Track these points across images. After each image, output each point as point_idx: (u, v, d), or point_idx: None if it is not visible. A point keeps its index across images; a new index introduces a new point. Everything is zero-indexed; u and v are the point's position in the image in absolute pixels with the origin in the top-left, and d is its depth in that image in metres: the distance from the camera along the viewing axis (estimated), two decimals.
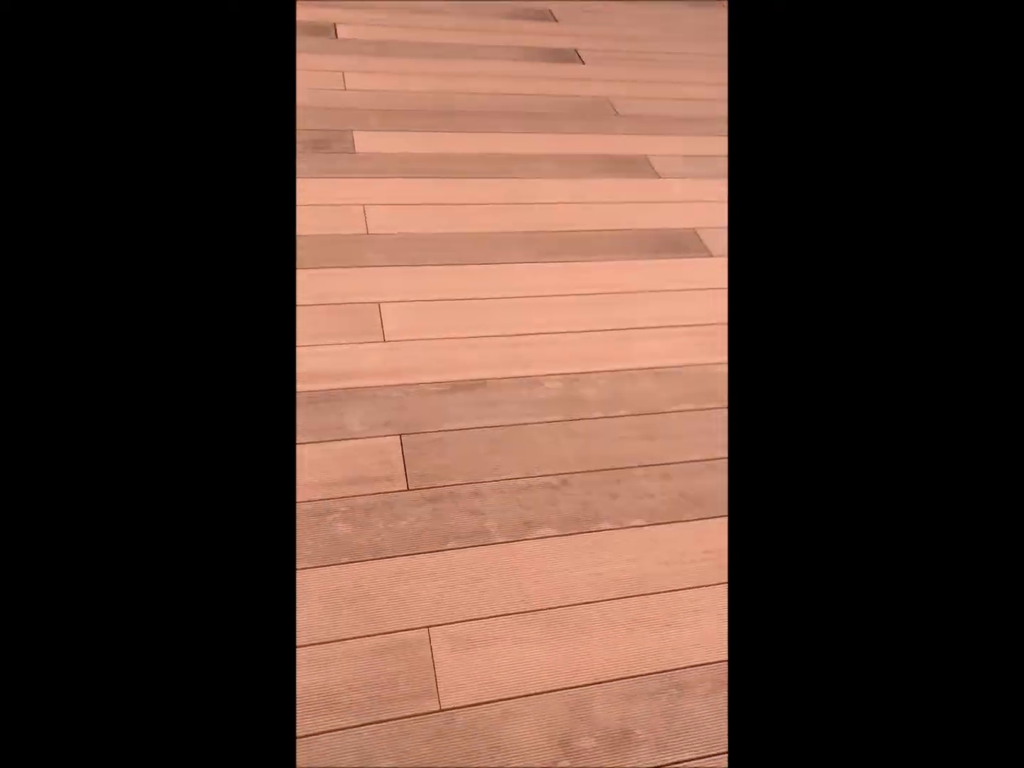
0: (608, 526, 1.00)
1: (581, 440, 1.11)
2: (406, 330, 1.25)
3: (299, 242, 1.38)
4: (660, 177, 1.73)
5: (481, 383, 1.18)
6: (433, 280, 1.35)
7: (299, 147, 1.62)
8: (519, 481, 1.04)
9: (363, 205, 1.49)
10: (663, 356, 1.28)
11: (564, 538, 0.98)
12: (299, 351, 1.18)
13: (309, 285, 1.30)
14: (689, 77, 2.16)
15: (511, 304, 1.33)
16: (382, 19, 2.17)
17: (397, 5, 2.26)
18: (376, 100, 1.82)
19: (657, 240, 1.54)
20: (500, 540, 0.97)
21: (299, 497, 0.98)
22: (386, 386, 1.15)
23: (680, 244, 1.54)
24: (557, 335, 1.28)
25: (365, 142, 1.67)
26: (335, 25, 2.09)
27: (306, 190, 1.51)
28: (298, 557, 0.92)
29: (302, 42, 1.99)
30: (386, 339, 1.22)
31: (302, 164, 1.57)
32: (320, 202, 1.48)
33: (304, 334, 1.21)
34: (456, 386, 1.17)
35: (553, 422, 1.13)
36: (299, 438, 1.06)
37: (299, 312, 1.25)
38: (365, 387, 1.14)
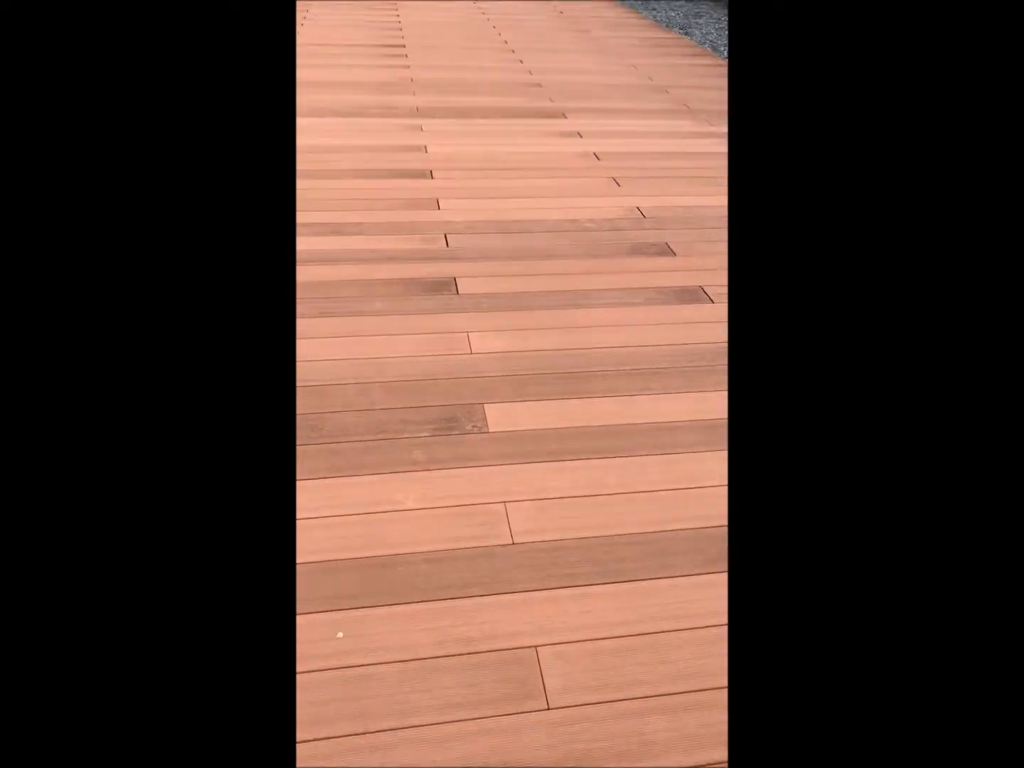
0: None
1: None
2: (573, 688, 1.02)
3: (433, 563, 1.20)
4: None
5: None
6: (597, 607, 1.14)
7: (429, 428, 1.49)
8: None
9: (504, 503, 1.32)
10: None
11: None
12: (446, 728, 0.97)
13: (446, 627, 1.10)
14: None
15: (693, 639, 1.10)
16: (502, 268, 2.12)
17: (514, 250, 2.23)
18: (505, 364, 1.71)
19: None
20: None
21: None
22: None
23: None
24: None
25: (498, 417, 1.53)
26: (455, 279, 2.05)
27: (439, 487, 1.35)
28: None
29: (424, 301, 1.94)
30: (550, 704, 1.00)
31: (434, 453, 1.43)
32: (455, 503, 1.32)
33: (447, 703, 1.00)
34: None
35: None
36: None
37: (435, 669, 1.04)
38: None
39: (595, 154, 3.07)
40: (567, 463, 1.43)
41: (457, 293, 1.99)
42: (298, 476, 1.36)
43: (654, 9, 7.00)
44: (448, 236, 2.30)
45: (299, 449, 1.42)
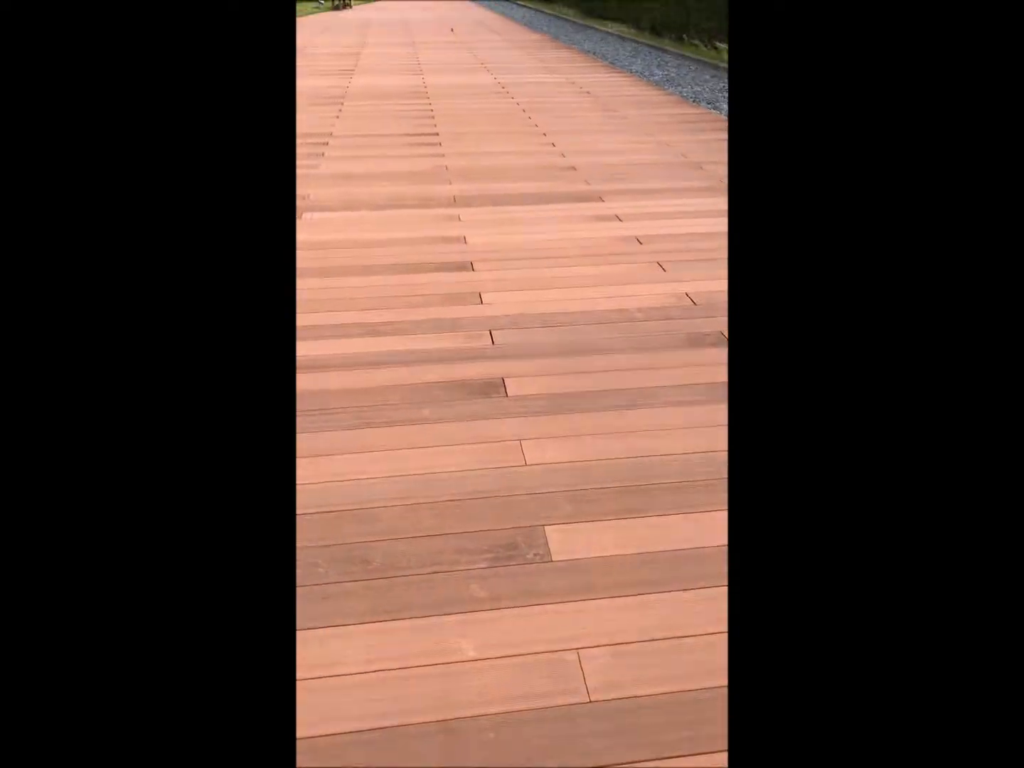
0: None
1: None
2: None
3: (500, 728, 1.06)
4: None
5: None
6: None
7: (487, 557, 1.37)
8: None
9: (576, 649, 1.18)
10: None
11: None
12: None
13: None
14: None
15: None
16: (551, 366, 2.02)
17: (562, 346, 2.13)
18: (562, 477, 1.58)
19: None
20: None
21: None
22: None
23: None
24: None
25: (561, 542, 1.40)
26: (503, 380, 1.95)
27: (502, 631, 1.22)
28: None
29: (472, 406, 1.84)
30: None
31: (494, 588, 1.30)
32: (522, 651, 1.18)
33: None
34: None
35: None
36: None
37: None
38: None
39: (637, 238, 3.00)
40: (640, 598, 1.28)
41: (506, 395, 1.88)
42: (347, 621, 1.23)
43: (680, 85, 7.09)
44: (493, 332, 2.21)
45: (345, 587, 1.30)
